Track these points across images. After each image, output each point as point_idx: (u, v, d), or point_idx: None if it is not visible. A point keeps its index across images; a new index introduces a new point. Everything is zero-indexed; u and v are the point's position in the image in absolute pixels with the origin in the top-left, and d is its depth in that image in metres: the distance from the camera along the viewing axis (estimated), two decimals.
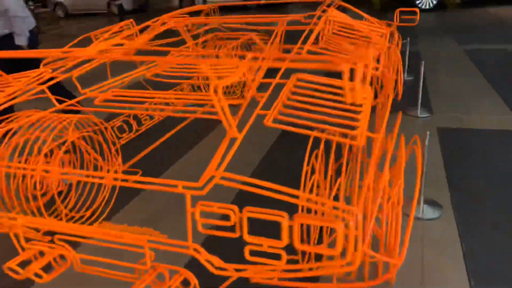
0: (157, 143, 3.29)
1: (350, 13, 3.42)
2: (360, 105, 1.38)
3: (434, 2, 10.63)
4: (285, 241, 1.03)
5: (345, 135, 1.26)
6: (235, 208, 1.07)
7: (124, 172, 2.69)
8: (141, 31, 2.46)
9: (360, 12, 3.08)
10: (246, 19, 2.41)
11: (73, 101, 1.91)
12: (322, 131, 1.73)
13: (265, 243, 1.07)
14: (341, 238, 0.97)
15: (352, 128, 1.27)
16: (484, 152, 2.96)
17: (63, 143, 2.37)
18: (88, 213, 2.40)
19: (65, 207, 2.35)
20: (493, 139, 3.16)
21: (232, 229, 1.72)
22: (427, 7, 10.66)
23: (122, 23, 2.42)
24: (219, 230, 1.31)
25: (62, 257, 1.66)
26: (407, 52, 4.82)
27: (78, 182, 2.56)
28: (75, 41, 2.45)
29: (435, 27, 8.31)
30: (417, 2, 10.65)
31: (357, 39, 2.15)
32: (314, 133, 1.29)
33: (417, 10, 3.34)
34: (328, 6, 2.58)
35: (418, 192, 2.30)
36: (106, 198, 2.49)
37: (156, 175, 2.89)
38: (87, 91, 1.81)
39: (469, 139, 3.19)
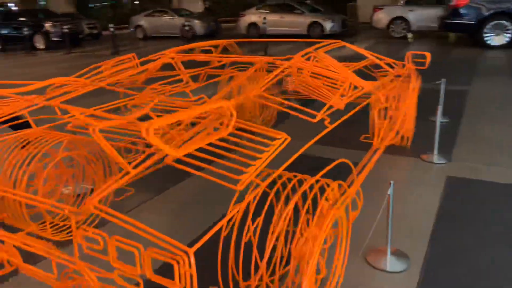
0: (160, 165, 3.51)
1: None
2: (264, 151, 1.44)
3: (508, 39, 10.00)
4: (138, 269, 1.13)
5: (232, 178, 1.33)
6: (105, 235, 1.19)
7: (117, 190, 2.92)
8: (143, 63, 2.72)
9: (364, 53, 3.07)
10: (232, 59, 2.55)
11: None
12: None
13: (128, 270, 1.17)
14: (177, 273, 1.06)
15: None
16: (487, 208, 2.76)
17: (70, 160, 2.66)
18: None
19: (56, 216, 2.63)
20: (503, 195, 2.94)
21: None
22: (498, 43, 10.05)
23: (123, 57, 2.69)
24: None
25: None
26: (442, 93, 4.63)
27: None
28: (86, 69, 2.76)
29: (500, 65, 7.81)
30: (486, 39, 10.09)
31: (323, 85, 2.18)
32: (201, 174, 1.37)
33: (428, 54, 3.24)
34: (317, 49, 2.64)
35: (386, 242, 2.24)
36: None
37: (147, 197, 3.09)
38: (65, 117, 2.06)
39: (477, 192, 2.99)
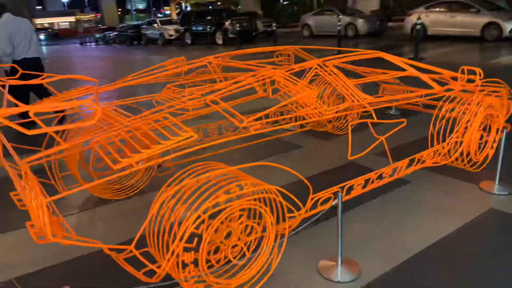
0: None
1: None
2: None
3: None
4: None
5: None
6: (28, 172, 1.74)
7: (159, 166, 3.53)
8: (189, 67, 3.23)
9: (405, 66, 2.89)
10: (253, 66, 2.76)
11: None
12: None
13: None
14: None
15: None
16: (500, 252, 2.35)
17: None
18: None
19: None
20: None
21: None
22: None
23: (175, 59, 3.23)
24: None
25: None
26: None
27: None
28: (149, 68, 3.42)
29: None
30: None
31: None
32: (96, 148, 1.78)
33: (478, 69, 2.80)
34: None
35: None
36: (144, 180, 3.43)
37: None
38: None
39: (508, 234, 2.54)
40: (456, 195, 3.07)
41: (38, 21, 56.68)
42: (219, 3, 49.85)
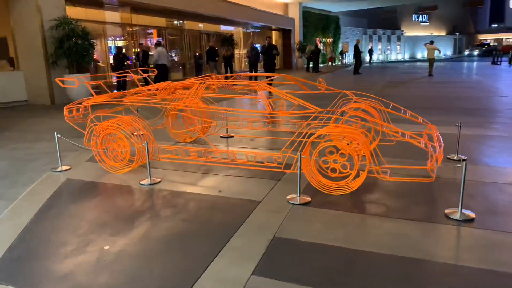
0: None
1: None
2: None
3: None
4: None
5: None
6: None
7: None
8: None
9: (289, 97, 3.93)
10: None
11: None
12: None
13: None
14: None
15: None
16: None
17: None
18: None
19: None
20: None
21: None
22: None
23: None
24: None
25: None
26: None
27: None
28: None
29: None
30: None
31: None
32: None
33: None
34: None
35: None
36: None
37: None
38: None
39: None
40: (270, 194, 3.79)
41: (482, 37, 56.50)
42: None
